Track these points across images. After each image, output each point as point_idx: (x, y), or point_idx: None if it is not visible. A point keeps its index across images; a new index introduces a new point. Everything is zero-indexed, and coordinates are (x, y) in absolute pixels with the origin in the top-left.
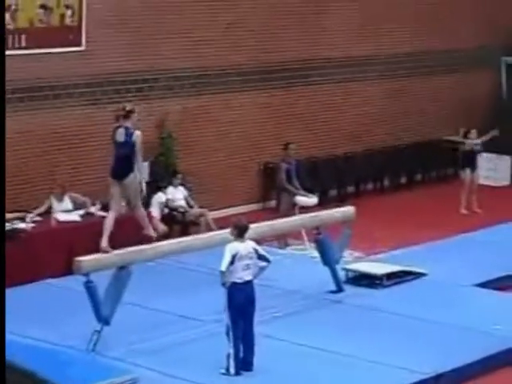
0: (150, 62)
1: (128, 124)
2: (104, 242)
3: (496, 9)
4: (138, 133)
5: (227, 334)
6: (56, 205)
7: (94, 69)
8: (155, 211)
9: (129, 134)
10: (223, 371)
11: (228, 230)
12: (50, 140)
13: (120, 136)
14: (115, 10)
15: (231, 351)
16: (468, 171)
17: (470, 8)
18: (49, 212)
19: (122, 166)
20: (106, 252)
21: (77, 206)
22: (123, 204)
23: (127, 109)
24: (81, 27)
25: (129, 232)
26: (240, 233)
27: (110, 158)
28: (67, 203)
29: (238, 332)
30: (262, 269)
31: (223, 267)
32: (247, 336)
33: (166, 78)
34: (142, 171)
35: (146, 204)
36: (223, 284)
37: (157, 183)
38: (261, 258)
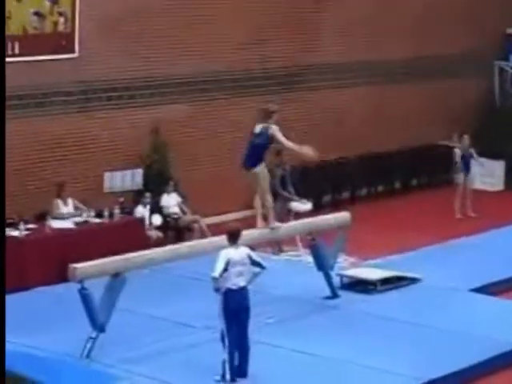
0: (142, 69)
1: (269, 122)
2: (259, 223)
3: (488, 13)
4: (273, 126)
5: (222, 340)
6: (62, 208)
7: (86, 76)
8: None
9: (265, 128)
10: (218, 378)
11: (222, 237)
12: (42, 147)
13: (257, 128)
14: (108, 18)
15: (226, 357)
16: (462, 176)
17: (462, 13)
18: (43, 219)
19: (252, 155)
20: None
21: (75, 213)
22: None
23: (271, 110)
24: (74, 34)
25: (125, 238)
26: (233, 239)
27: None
28: (70, 207)
29: (232, 338)
30: (255, 275)
31: (216, 273)
32: (242, 342)
33: (159, 85)
34: (296, 148)
35: (131, 212)
36: (216, 290)
37: (141, 194)
38: (255, 264)
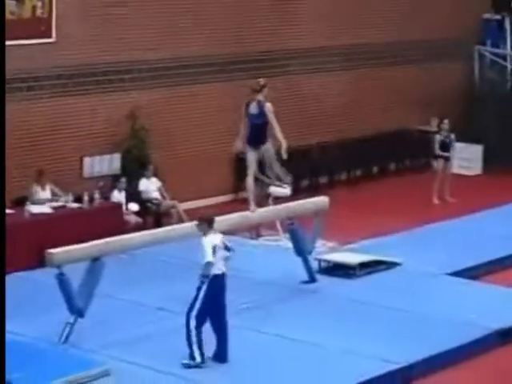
0: (120, 54)
1: (260, 97)
2: (252, 205)
3: None
4: (268, 105)
5: (187, 323)
6: (40, 193)
7: (64, 60)
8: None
9: (260, 106)
10: (186, 361)
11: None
12: (20, 132)
13: (253, 109)
14: (85, 2)
15: (194, 340)
16: (441, 161)
17: None
18: (21, 204)
19: (258, 135)
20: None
21: (53, 198)
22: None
23: (261, 83)
24: (51, 19)
25: (104, 223)
26: (211, 224)
27: (244, 128)
28: (47, 192)
29: (204, 320)
30: (227, 259)
31: (210, 258)
32: (221, 327)
33: (137, 70)
34: (279, 135)
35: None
36: (206, 276)
37: (115, 180)
38: (226, 248)
